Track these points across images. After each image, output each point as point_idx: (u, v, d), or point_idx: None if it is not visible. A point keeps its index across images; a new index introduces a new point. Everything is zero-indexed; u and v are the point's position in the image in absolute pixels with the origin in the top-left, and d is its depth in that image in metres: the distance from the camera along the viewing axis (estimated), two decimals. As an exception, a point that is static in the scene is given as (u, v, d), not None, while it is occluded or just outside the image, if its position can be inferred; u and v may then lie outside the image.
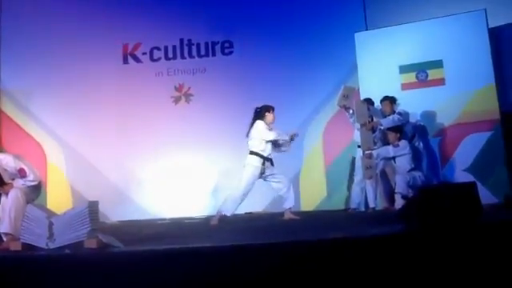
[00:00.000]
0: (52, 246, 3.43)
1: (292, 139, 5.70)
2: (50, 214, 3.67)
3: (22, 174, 4.18)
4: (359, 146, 6.21)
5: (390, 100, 6.25)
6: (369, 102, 6.29)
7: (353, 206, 6.35)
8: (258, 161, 5.55)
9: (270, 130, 5.65)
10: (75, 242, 3.40)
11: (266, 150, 5.60)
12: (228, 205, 5.50)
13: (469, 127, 6.20)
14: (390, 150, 6.02)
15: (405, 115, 6.17)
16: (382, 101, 6.30)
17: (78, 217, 3.46)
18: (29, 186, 4.19)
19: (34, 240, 3.50)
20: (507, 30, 6.39)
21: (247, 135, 5.70)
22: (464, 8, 6.36)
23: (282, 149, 5.81)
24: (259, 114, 5.73)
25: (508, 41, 6.39)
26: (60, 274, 2.89)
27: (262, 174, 5.61)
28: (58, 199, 7.22)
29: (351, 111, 6.28)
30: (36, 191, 4.34)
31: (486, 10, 6.19)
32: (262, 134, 5.56)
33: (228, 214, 5.46)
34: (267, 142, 5.60)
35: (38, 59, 7.90)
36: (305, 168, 7.33)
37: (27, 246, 3.50)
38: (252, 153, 5.60)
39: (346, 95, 6.21)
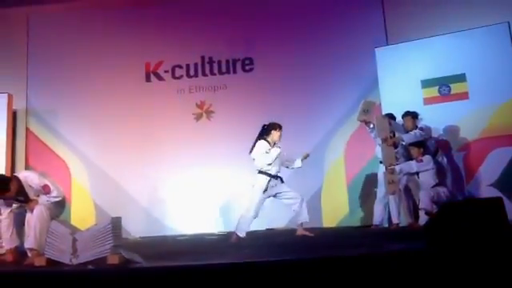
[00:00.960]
0: (76, 261, 3.48)
1: (304, 158, 5.66)
2: (74, 229, 3.73)
3: (46, 190, 4.27)
4: (381, 162, 6.14)
5: (412, 115, 6.18)
6: (390, 117, 6.23)
7: (376, 222, 6.26)
8: (265, 180, 5.44)
9: (275, 148, 5.49)
10: (98, 258, 3.44)
11: (273, 169, 5.46)
12: (241, 225, 5.42)
13: (494, 141, 6.08)
14: (413, 165, 5.94)
15: (427, 130, 6.09)
16: (403, 116, 6.24)
17: (101, 233, 3.50)
18: (53, 202, 4.27)
19: (58, 256, 3.55)
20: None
21: (250, 153, 5.55)
22: (487, 21, 6.29)
23: (292, 166, 5.76)
24: (265, 131, 5.62)
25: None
26: (83, 289, 2.92)
27: (271, 193, 5.51)
28: (82, 215, 7.32)
29: (371, 126, 6.23)
30: (60, 207, 4.42)
31: (509, 22, 6.11)
32: (260, 156, 5.43)
33: (241, 235, 5.37)
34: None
35: (63, 79, 8.10)
36: (326, 184, 7.27)
37: (52, 262, 3.55)
38: (260, 172, 5.48)
39: (366, 110, 6.17)
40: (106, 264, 3.37)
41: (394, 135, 6.13)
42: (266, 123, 5.69)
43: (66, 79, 8.08)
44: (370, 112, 6.20)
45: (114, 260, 3.37)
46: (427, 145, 6.08)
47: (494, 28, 6.23)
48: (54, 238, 3.60)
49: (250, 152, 5.57)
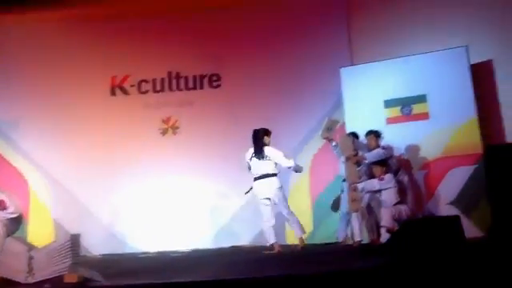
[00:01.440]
0: (31, 280, 3.36)
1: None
2: (30, 247, 3.61)
3: (2, 205, 4.13)
4: (344, 180, 6.22)
5: (375, 134, 6.30)
6: (354, 135, 6.34)
7: (339, 239, 6.31)
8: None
9: None
10: (55, 277, 3.33)
11: None
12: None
13: (453, 161, 6.25)
14: (375, 184, 6.04)
15: (389, 149, 6.21)
16: (366, 135, 6.35)
17: (59, 250, 3.39)
18: (9, 219, 4.13)
19: (12, 274, 3.42)
20: (488, 66, 6.54)
21: (260, 157, 5.67)
22: (447, 44, 6.51)
23: None
24: (260, 137, 5.80)
25: (489, 76, 6.54)
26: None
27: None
28: (40, 232, 7.11)
29: (334, 143, 6.34)
30: (16, 224, 4.29)
31: (467, 46, 6.35)
32: (283, 159, 5.68)
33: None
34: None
35: (25, 90, 7.92)
36: (290, 201, 7.24)
37: (6, 281, 3.41)
38: (275, 175, 5.64)
39: (329, 127, 6.29)
40: (64, 283, 3.26)
41: (357, 154, 6.23)
42: (257, 128, 5.86)
43: (27, 91, 7.91)
44: (333, 130, 6.32)
45: (71, 279, 3.27)
46: (389, 163, 6.20)
47: (453, 51, 6.44)
48: (8, 255, 3.47)
49: (261, 158, 5.65)
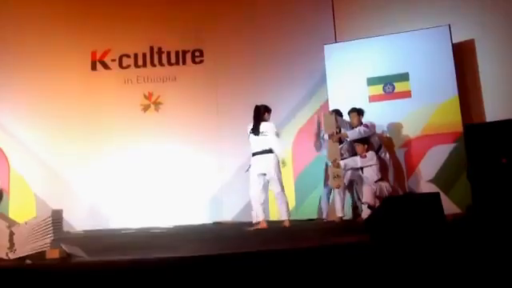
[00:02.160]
0: (12, 256, 3.32)
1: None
2: (11, 223, 3.56)
3: (-18, 181, 4.06)
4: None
5: (358, 112, 6.34)
6: (337, 113, 6.37)
7: (321, 216, 6.40)
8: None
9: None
10: (37, 253, 3.30)
11: None
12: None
13: (433, 139, 6.35)
14: (357, 161, 6.11)
15: (371, 127, 6.26)
16: (349, 112, 6.39)
17: (41, 226, 3.35)
18: (-11, 194, 4.06)
19: (-7, 250, 3.38)
20: (469, 45, 6.59)
21: (257, 133, 5.59)
22: (430, 23, 6.53)
23: None
24: (262, 113, 5.73)
25: (470, 56, 6.59)
26: (20, 286, 2.80)
27: None
28: (21, 208, 7.05)
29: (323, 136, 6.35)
30: (-3, 199, 4.21)
31: (450, 25, 6.37)
32: (277, 138, 5.64)
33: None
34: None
35: (4, 64, 7.71)
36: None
37: (-15, 257, 3.38)
38: (272, 151, 5.58)
39: (329, 123, 6.22)
40: (46, 259, 3.24)
41: (340, 131, 6.27)
42: (258, 104, 5.76)
43: (5, 65, 7.70)
44: (334, 123, 6.21)
45: (53, 254, 3.25)
46: (371, 141, 6.26)
47: (435, 30, 6.48)
48: (-12, 231, 3.42)
49: (258, 134, 5.56)
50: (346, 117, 6.46)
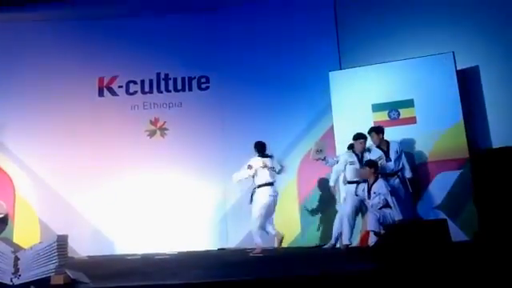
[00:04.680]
0: (17, 282, 3.31)
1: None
2: (17, 248, 3.56)
3: (-12, 206, 4.07)
4: (350, 182, 6.27)
5: (376, 130, 6.27)
6: (376, 130, 6.28)
7: (333, 240, 6.31)
8: None
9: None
10: (41, 278, 3.29)
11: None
12: None
13: (439, 165, 6.32)
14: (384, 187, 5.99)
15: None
16: (369, 132, 6.29)
17: (46, 251, 3.36)
18: (-5, 219, 4.07)
19: (-2, 276, 3.37)
20: (474, 72, 6.63)
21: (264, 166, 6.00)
22: (434, 50, 6.59)
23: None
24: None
25: (475, 82, 6.62)
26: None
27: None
28: (26, 233, 7.01)
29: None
30: (2, 224, 4.23)
31: (453, 52, 6.43)
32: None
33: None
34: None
35: (12, 90, 7.83)
36: (279, 203, 7.28)
37: (-9, 282, 3.37)
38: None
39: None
40: (50, 284, 3.23)
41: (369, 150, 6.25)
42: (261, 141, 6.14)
43: (14, 91, 7.82)
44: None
45: (58, 280, 3.24)
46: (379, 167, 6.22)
47: (439, 57, 6.53)
48: (-6, 256, 3.42)
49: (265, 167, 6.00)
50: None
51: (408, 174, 6.15)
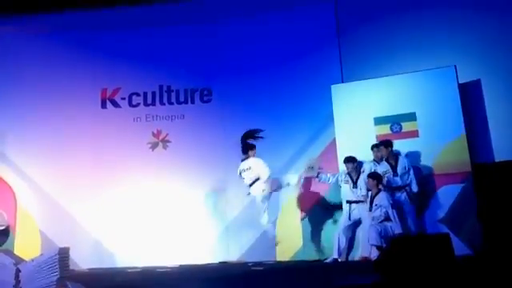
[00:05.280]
0: (18, 294, 3.30)
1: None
2: (18, 260, 3.55)
3: (-11, 218, 4.07)
4: (348, 202, 6.37)
5: (385, 144, 6.35)
6: (385, 143, 6.41)
7: (335, 255, 6.31)
8: None
9: None
10: (43, 291, 3.27)
11: None
12: None
13: (442, 179, 6.31)
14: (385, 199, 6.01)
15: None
16: (378, 146, 6.40)
17: (48, 264, 3.34)
18: (-4, 231, 4.06)
19: (-2, 288, 3.36)
20: (476, 86, 6.64)
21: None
22: (435, 64, 6.62)
23: None
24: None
25: (476, 96, 6.63)
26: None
27: None
28: (27, 244, 6.99)
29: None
30: (3, 236, 4.23)
31: (455, 66, 6.45)
32: None
33: None
34: None
35: (15, 100, 7.86)
36: (281, 218, 7.27)
37: (-9, 295, 3.35)
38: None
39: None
40: (51, 297, 3.21)
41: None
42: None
43: (16, 101, 7.86)
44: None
45: (59, 293, 3.22)
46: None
47: (441, 71, 6.56)
48: (-5, 268, 3.41)
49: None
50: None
51: (414, 188, 6.17)
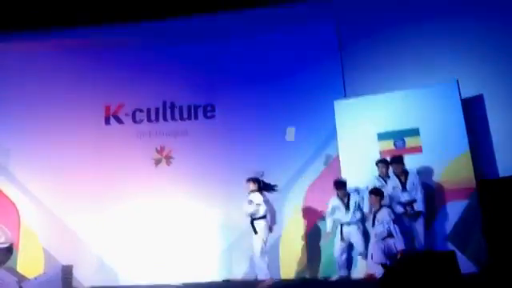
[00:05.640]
0: (20, 313, 3.28)
1: None
2: (21, 278, 3.54)
3: (-7, 235, 4.06)
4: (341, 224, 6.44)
5: (386, 162, 6.39)
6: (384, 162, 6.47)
7: (339, 272, 6.29)
8: None
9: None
10: (45, 310, 3.25)
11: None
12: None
13: (446, 195, 6.27)
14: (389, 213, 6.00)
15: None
16: (378, 163, 6.44)
17: (51, 282, 3.33)
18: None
19: (1, 306, 3.34)
20: (478, 101, 6.64)
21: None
22: (438, 79, 6.62)
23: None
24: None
25: (480, 110, 6.62)
26: None
27: None
28: (30, 262, 6.96)
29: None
30: (7, 254, 4.20)
31: (458, 81, 6.46)
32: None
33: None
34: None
35: (18, 118, 7.90)
36: (285, 234, 7.23)
37: (-6, 314, 3.33)
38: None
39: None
40: (54, 316, 3.19)
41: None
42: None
43: (20, 118, 7.89)
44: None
45: (62, 311, 3.20)
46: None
47: (444, 85, 6.55)
48: (-2, 287, 3.40)
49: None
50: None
51: (420, 207, 6.13)
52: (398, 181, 6.29)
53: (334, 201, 6.52)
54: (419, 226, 6.10)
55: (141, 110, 8.10)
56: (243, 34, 8.14)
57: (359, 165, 6.64)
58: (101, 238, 7.38)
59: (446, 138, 6.42)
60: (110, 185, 7.53)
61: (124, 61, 8.19)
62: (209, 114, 8.03)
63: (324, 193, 6.80)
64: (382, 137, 6.80)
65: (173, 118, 8.06)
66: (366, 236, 6.31)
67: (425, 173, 6.41)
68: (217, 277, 7.02)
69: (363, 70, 7.46)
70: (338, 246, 6.40)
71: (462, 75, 6.54)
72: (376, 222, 6.02)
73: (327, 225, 6.57)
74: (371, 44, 7.49)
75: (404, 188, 6.23)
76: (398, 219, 6.01)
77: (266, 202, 6.39)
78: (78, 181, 7.56)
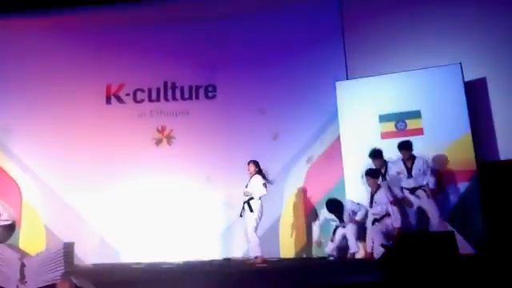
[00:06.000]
0: (23, 288, 3.32)
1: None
2: (23, 254, 3.57)
3: (-5, 212, 4.09)
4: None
5: (406, 148, 6.23)
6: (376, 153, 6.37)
7: (335, 252, 6.33)
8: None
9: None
10: (47, 285, 3.29)
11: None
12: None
13: (447, 177, 6.28)
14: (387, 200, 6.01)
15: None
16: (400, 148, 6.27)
17: (52, 258, 3.36)
18: (2, 226, 4.08)
19: (3, 282, 3.39)
20: (481, 84, 6.61)
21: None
22: (441, 61, 6.58)
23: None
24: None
25: (482, 94, 6.60)
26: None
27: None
28: (32, 239, 7.03)
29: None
30: (9, 231, 4.25)
31: (461, 63, 6.42)
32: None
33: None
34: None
35: (19, 97, 7.88)
36: (285, 214, 7.28)
37: (-4, 289, 3.37)
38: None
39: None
40: (56, 291, 3.23)
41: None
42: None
43: (21, 97, 7.87)
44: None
45: (64, 287, 3.24)
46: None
47: (447, 68, 6.51)
48: (0, 262, 3.43)
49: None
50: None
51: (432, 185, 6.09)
52: (403, 166, 6.23)
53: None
54: (420, 208, 6.10)
55: (142, 90, 8.09)
56: (246, 15, 8.09)
57: (360, 146, 6.63)
58: (102, 216, 7.44)
59: (448, 120, 6.42)
60: (112, 164, 7.56)
61: (125, 41, 8.13)
62: (210, 95, 8.01)
63: (325, 173, 6.82)
64: (383, 118, 6.79)
65: (174, 98, 8.04)
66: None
67: (425, 155, 6.41)
68: (217, 255, 7.09)
69: (365, 52, 7.42)
70: (329, 245, 6.44)
71: (466, 58, 6.50)
72: (374, 204, 6.06)
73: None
74: (374, 26, 7.43)
75: (410, 174, 6.19)
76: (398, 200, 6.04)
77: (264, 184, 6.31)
78: (80, 160, 7.59)
